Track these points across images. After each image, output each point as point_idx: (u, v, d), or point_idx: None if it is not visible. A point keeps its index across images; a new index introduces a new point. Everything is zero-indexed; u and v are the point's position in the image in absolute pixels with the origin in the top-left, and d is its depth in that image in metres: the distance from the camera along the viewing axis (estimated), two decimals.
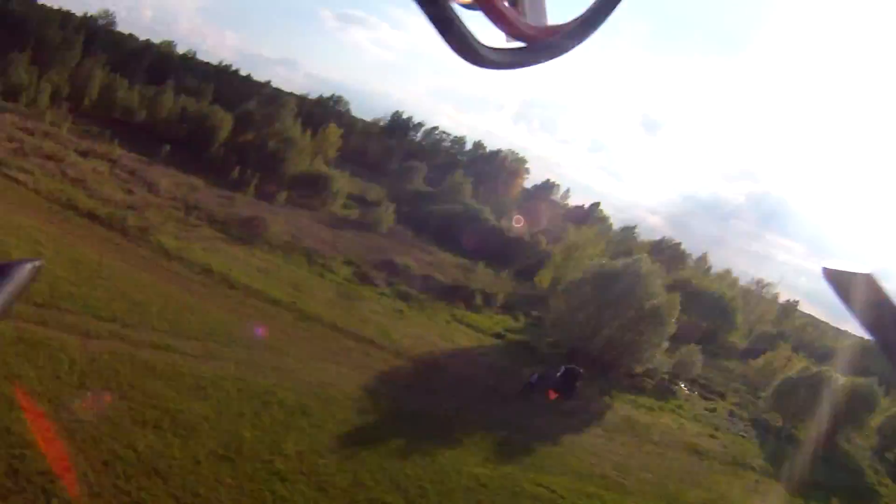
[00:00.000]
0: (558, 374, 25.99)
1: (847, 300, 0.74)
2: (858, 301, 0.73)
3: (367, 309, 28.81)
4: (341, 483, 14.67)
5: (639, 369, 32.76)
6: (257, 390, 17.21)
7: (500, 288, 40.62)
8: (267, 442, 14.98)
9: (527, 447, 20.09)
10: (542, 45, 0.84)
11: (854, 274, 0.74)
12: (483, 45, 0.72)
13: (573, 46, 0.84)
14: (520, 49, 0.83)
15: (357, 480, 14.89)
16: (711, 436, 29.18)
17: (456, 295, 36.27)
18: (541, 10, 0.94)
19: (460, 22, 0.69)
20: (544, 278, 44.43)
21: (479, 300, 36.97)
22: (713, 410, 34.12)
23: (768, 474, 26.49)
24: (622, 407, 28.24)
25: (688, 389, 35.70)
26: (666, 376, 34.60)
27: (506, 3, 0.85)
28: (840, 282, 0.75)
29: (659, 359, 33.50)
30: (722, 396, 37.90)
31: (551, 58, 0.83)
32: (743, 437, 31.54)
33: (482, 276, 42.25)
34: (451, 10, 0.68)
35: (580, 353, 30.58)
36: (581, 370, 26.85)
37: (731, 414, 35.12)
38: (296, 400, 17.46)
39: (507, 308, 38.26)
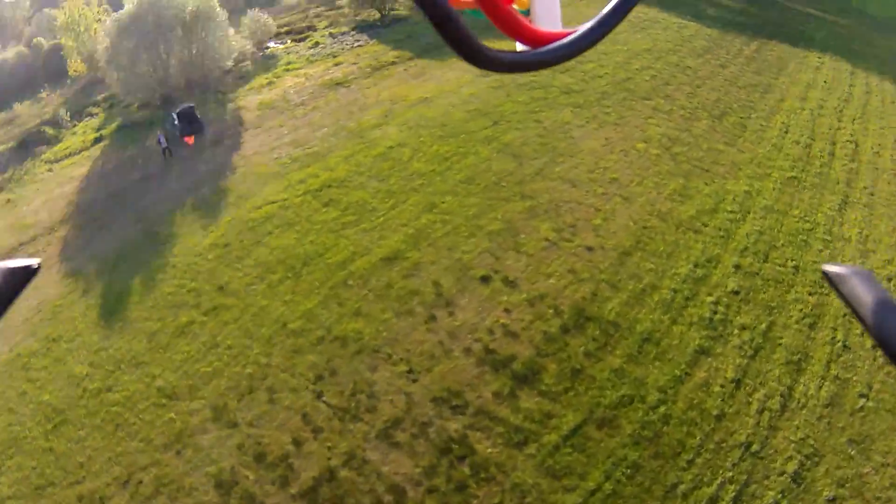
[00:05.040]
0: (176, 123, 24.57)
1: (847, 299, 0.74)
2: (859, 300, 0.72)
3: None
4: None
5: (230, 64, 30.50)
6: None
7: None
8: None
9: (222, 192, 19.98)
10: (550, 47, 0.80)
11: (854, 272, 0.74)
12: (486, 47, 0.72)
13: (581, 50, 0.81)
14: (526, 51, 0.81)
15: None
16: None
17: None
18: (554, 15, 0.94)
19: (463, 23, 0.69)
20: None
21: None
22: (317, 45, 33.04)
23: None
24: (246, 97, 27.86)
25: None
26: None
27: (512, 6, 0.84)
28: (840, 281, 0.75)
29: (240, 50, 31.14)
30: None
31: (559, 61, 0.80)
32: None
33: None
34: (453, 11, 0.67)
35: (164, 95, 28.23)
36: (189, 105, 25.41)
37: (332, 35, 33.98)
38: None
39: None
